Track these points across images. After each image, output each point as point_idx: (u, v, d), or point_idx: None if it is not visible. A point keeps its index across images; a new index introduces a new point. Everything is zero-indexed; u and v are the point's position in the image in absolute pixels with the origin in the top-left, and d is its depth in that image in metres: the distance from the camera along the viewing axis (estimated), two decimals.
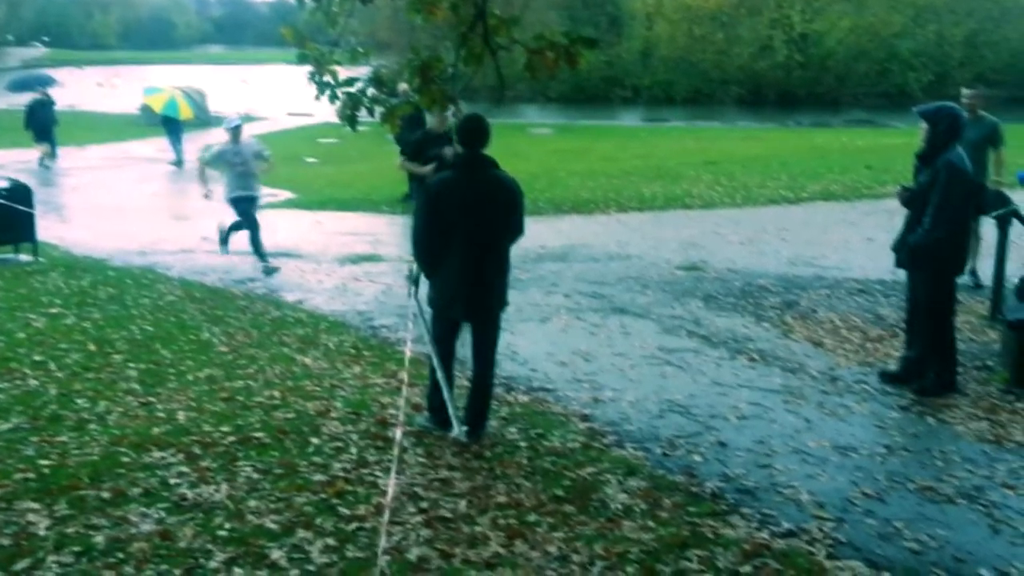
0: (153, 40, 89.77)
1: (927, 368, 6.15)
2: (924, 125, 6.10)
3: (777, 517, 4.48)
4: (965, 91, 8.65)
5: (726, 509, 4.57)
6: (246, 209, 10.32)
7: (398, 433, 4.77)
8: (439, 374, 5.33)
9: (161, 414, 5.82)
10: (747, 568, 3.99)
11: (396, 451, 4.76)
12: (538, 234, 11.00)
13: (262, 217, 13.74)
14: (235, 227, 10.58)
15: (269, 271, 10.02)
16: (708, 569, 3.99)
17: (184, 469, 4.99)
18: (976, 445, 5.33)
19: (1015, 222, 7.67)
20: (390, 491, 4.30)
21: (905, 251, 6.16)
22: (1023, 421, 5.66)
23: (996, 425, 5.61)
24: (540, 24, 26.19)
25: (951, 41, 39.43)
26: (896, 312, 7.59)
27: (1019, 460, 5.11)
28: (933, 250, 5.97)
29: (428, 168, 9.09)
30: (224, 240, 10.79)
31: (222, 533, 4.28)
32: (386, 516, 4.16)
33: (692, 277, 9.56)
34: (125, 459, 5.10)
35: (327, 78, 4.81)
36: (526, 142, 24.14)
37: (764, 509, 4.56)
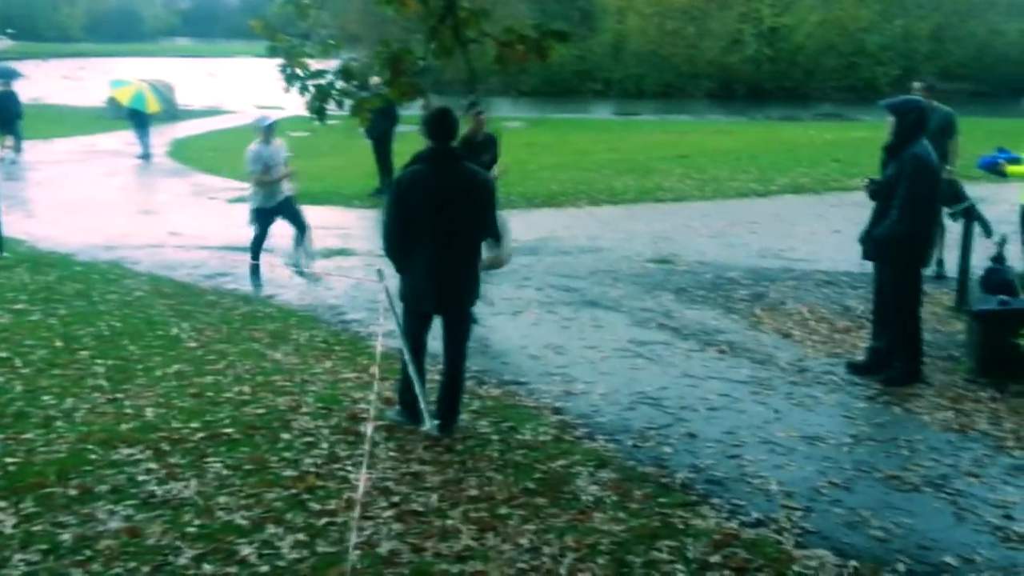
0: (120, 32, 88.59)
1: (893, 359, 6.23)
2: (890, 118, 6.16)
3: (746, 507, 4.53)
4: (916, 84, 8.75)
5: (696, 500, 4.61)
6: (268, 225, 9.43)
7: (368, 428, 4.76)
8: (410, 368, 5.33)
9: (129, 410, 5.77)
10: (716, 558, 4.03)
11: (367, 446, 4.75)
12: (510, 227, 10.99)
13: (233, 211, 13.68)
14: (255, 249, 9.45)
15: (256, 274, 9.32)
16: (678, 559, 4.02)
17: (152, 466, 4.96)
18: (941, 434, 5.41)
19: (971, 212, 7.79)
20: (361, 486, 4.29)
21: (872, 243, 6.23)
22: (987, 410, 5.76)
23: (961, 414, 5.69)
24: (512, 17, 26.13)
25: (918, 36, 39.82)
26: (863, 303, 7.68)
27: (983, 449, 5.20)
28: (900, 242, 6.04)
29: None
30: (255, 270, 9.40)
31: (191, 530, 4.26)
32: (357, 511, 4.15)
33: (663, 270, 9.61)
34: (92, 456, 5.06)
35: (298, 70, 4.78)
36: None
37: (733, 499, 4.61)
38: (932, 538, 4.24)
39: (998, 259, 6.94)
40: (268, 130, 9.29)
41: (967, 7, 40.35)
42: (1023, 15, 39.98)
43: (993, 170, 8.24)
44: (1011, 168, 8.04)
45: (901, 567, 4.00)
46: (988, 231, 7.85)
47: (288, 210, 9.53)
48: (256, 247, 9.45)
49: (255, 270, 9.41)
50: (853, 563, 4.03)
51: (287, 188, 9.54)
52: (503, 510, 4.45)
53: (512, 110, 33.35)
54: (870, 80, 37.63)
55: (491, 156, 7.99)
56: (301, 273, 9.44)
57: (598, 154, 20.06)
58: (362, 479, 4.39)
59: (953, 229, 8.40)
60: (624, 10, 43.71)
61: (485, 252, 7.38)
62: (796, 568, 3.97)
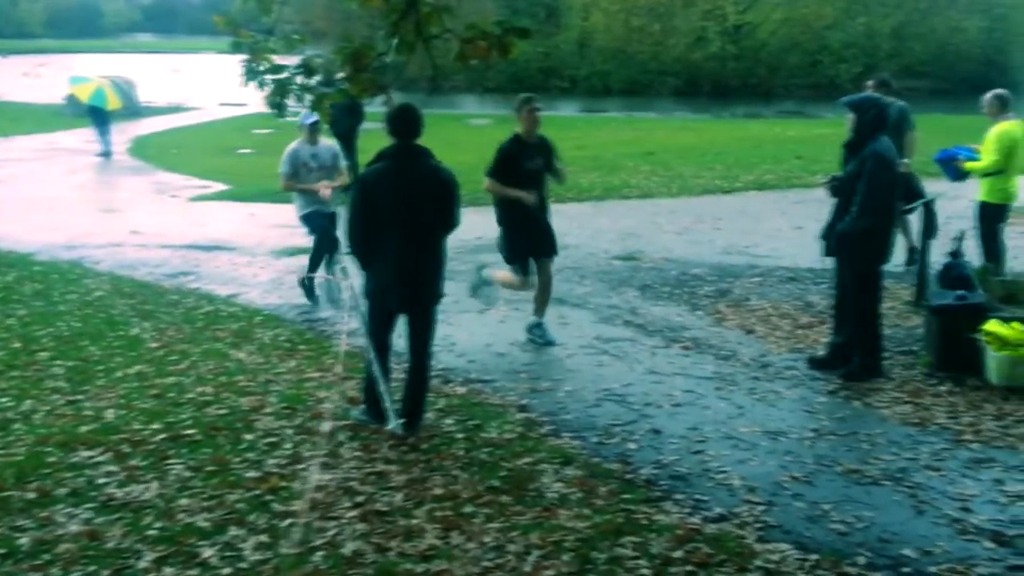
0: (81, 28, 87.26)
1: (854, 353, 6.30)
2: (850, 116, 6.23)
3: (709, 502, 4.56)
4: (869, 82, 8.85)
5: (660, 495, 4.64)
6: (324, 227, 8.31)
7: (325, 426, 4.74)
8: (374, 367, 5.31)
9: (89, 412, 5.70)
10: (679, 553, 4.06)
11: (323, 444, 4.73)
12: (475, 225, 10.92)
13: (195, 209, 13.55)
14: (315, 260, 8.40)
15: (311, 292, 8.39)
16: (642, 555, 4.05)
17: (112, 468, 4.90)
18: (901, 428, 5.49)
19: (929, 208, 7.89)
20: (312, 481, 4.27)
21: (833, 239, 6.29)
22: (946, 404, 5.84)
23: (920, 408, 5.77)
24: (478, 14, 26.12)
25: (880, 33, 40.26)
26: (825, 299, 7.76)
27: (942, 442, 5.27)
28: (860, 238, 6.11)
29: (524, 195, 6.86)
30: (309, 288, 8.45)
31: (152, 532, 4.22)
32: (306, 506, 4.13)
33: (629, 267, 9.65)
34: (51, 459, 4.99)
35: (262, 65, 4.73)
36: (464, 132, 24.06)
37: (696, 494, 4.64)
38: (892, 531, 4.30)
39: (955, 254, 7.04)
40: (312, 128, 8.16)
41: (928, 5, 40.87)
42: (983, 13, 40.59)
43: (948, 165, 8.35)
44: (969, 165, 8.15)
45: (861, 560, 4.05)
46: (933, 232, 7.93)
47: (318, 223, 8.33)
48: (315, 257, 8.37)
49: (308, 285, 8.40)
50: (814, 556, 4.07)
51: (325, 196, 8.26)
52: (468, 508, 4.45)
53: (478, 107, 33.31)
54: (833, 77, 38.02)
55: (544, 160, 7.01)
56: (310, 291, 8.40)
57: (564, 151, 19.94)
58: (314, 475, 4.37)
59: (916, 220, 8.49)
60: (589, 7, 43.77)
61: (511, 276, 7.20)
62: (758, 562, 4.01)
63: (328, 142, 8.59)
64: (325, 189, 8.24)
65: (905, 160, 8.59)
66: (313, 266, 8.35)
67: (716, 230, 11.48)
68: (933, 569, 3.98)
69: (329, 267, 8.36)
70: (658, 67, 41.92)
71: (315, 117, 7.70)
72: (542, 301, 7.23)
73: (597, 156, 18.70)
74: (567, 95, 40.08)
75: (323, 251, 8.34)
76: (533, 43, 39.78)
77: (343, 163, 8.79)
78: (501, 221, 7.12)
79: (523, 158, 6.92)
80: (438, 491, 4.63)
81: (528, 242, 7.07)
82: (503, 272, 7.35)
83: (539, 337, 7.16)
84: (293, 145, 8.29)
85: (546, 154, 7.10)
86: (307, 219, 8.39)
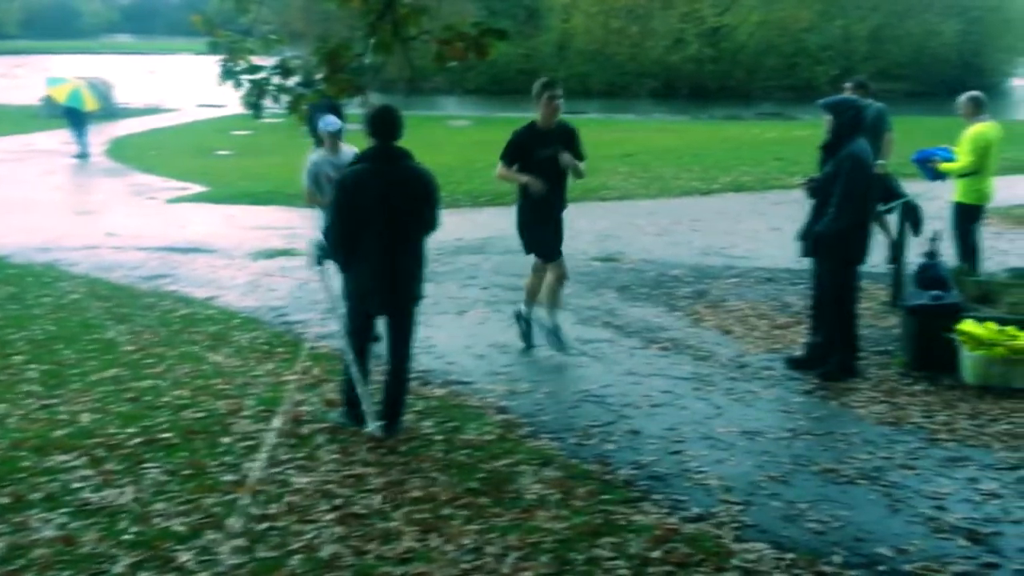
0: (58, 29, 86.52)
1: (830, 353, 6.35)
2: (828, 117, 6.27)
3: (687, 502, 4.57)
4: (847, 84, 8.92)
5: (638, 496, 4.65)
6: None
7: (276, 421, 4.72)
8: (353, 369, 5.29)
9: (63, 416, 5.65)
10: (657, 553, 4.07)
11: (274, 438, 4.71)
12: (455, 226, 10.98)
13: (172, 211, 13.47)
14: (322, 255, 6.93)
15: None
16: (620, 556, 4.05)
17: (87, 472, 4.86)
18: (876, 427, 5.53)
19: (911, 207, 7.94)
20: (256, 473, 4.25)
21: (810, 240, 6.33)
22: (921, 403, 5.89)
23: (895, 407, 5.82)
24: (458, 15, 26.11)
25: (856, 36, 40.62)
26: (802, 300, 7.80)
27: (917, 441, 5.32)
28: (837, 239, 6.15)
29: (530, 180, 6.56)
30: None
31: (127, 537, 4.19)
32: (247, 500, 4.12)
33: (608, 268, 9.67)
34: (26, 463, 4.95)
35: (239, 65, 4.71)
36: (444, 134, 24.06)
37: (674, 495, 4.65)
38: (867, 530, 4.33)
39: (931, 255, 7.10)
40: (335, 136, 7.28)
41: (904, 8, 41.26)
42: (959, 16, 41.02)
43: (924, 165, 8.42)
44: (944, 165, 8.22)
45: (837, 559, 4.07)
46: (918, 230, 8.00)
47: None
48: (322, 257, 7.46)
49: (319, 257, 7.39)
50: (791, 555, 4.09)
51: None
52: (446, 511, 4.44)
53: (458, 108, 33.32)
54: (810, 79, 38.30)
55: (549, 153, 6.62)
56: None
57: None
58: (255, 468, 4.34)
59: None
60: (569, 9, 43.91)
61: (550, 271, 6.83)
62: (735, 562, 4.02)
63: (352, 149, 7.29)
64: None
65: (882, 161, 8.66)
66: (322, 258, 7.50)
67: (694, 231, 11.53)
68: (908, 567, 4.01)
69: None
70: (637, 69, 42.10)
71: (338, 124, 7.25)
72: (538, 294, 6.97)
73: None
74: None
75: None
76: (513, 45, 39.86)
77: None
78: (522, 210, 6.86)
79: (536, 146, 6.60)
80: (416, 493, 4.62)
81: (537, 238, 6.87)
82: (525, 291, 7.06)
83: (523, 328, 7.05)
84: (313, 157, 7.33)
85: (568, 143, 6.72)
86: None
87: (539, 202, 6.64)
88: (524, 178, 6.62)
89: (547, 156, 6.60)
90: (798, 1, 41.60)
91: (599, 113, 32.71)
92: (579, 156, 6.80)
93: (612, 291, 8.71)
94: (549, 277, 6.93)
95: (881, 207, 7.81)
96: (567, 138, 6.76)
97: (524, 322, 7.08)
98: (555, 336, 6.85)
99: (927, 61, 39.64)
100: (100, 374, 6.44)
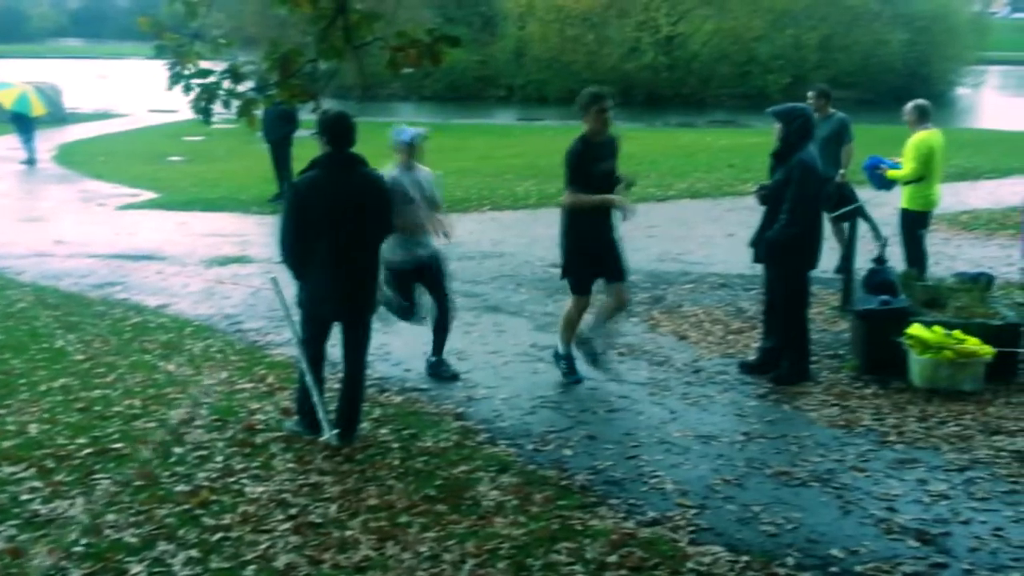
0: (5, 33, 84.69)
1: (783, 358, 6.44)
2: (777, 125, 6.36)
3: (643, 506, 4.61)
4: (810, 93, 9.07)
5: (594, 501, 4.67)
6: (435, 276, 6.47)
7: (176, 414, 4.67)
8: (308, 377, 5.25)
9: (11, 427, 5.54)
10: (614, 558, 4.09)
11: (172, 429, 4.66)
12: None
13: (123, 218, 13.25)
14: (440, 331, 6.60)
15: (443, 371, 6.53)
16: (577, 561, 4.07)
17: (36, 484, 4.77)
18: (828, 430, 5.61)
19: (858, 217, 8.10)
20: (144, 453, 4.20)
21: (762, 247, 6.42)
22: (871, 406, 5.99)
23: (846, 410, 5.91)
24: (413, 22, 26.06)
25: (807, 45, 41.22)
26: (755, 305, 7.90)
27: (867, 443, 5.41)
28: (788, 245, 6.24)
29: (619, 200, 6.24)
30: (568, 368, 6.51)
31: (78, 549, 4.12)
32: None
33: None
34: None
35: (188, 69, 4.65)
36: None
37: (631, 499, 4.69)
38: (820, 531, 4.39)
39: (880, 260, 7.23)
40: (410, 147, 6.32)
41: (853, 18, 41.96)
42: (906, 26, 41.84)
43: (874, 173, 8.58)
44: (891, 172, 8.39)
45: (790, 560, 4.13)
46: (877, 234, 8.15)
47: (431, 274, 6.44)
48: (438, 331, 6.60)
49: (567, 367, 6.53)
50: (745, 558, 4.14)
51: (433, 242, 6.38)
52: (403, 518, 4.43)
53: (414, 115, 33.22)
54: (762, 88, 38.80)
55: (612, 164, 6.29)
56: (441, 371, 6.55)
57: (500, 159, 20.17)
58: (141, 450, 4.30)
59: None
60: (525, 16, 44.01)
61: (606, 297, 6.27)
62: (690, 565, 4.06)
63: (426, 169, 6.59)
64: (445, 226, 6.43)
65: (841, 171, 8.82)
66: (441, 339, 6.62)
67: (650, 237, 11.60)
68: (859, 568, 4.07)
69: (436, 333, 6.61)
70: (593, 76, 42.15)
71: (413, 131, 6.40)
72: (606, 317, 6.40)
73: (533, 164, 18.79)
74: (503, 103, 40.26)
75: (406, 312, 6.53)
76: (469, 52, 39.88)
77: (440, 198, 6.64)
78: (566, 234, 6.30)
79: (594, 160, 6.19)
80: (373, 501, 4.60)
81: (595, 261, 6.29)
82: (561, 325, 6.55)
83: (564, 368, 6.41)
84: (392, 172, 6.20)
85: (615, 155, 6.36)
86: (393, 274, 6.31)
87: (598, 222, 6.25)
88: (605, 197, 6.17)
89: (604, 171, 6.22)
90: (750, 11, 42.13)
91: (556, 120, 32.83)
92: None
93: (569, 297, 8.72)
94: (609, 303, 6.41)
95: (832, 213, 7.95)
96: (615, 149, 6.38)
97: (564, 362, 6.47)
98: (596, 360, 6.37)
99: (875, 70, 40.35)
100: (49, 384, 6.31)
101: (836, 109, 9.09)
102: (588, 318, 6.49)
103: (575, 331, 6.47)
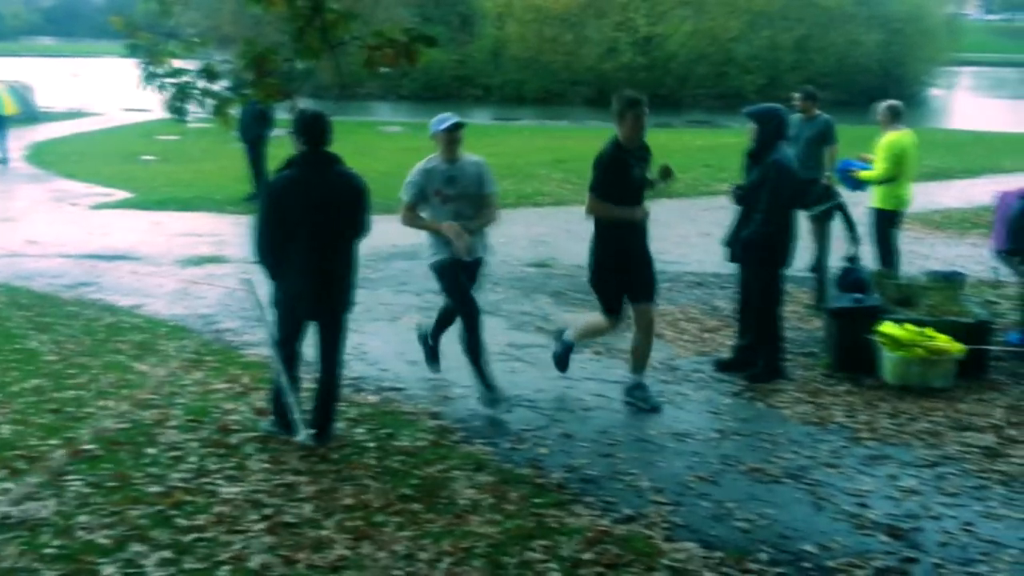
0: None
1: (757, 356, 6.49)
2: (752, 126, 6.41)
3: (618, 504, 4.63)
4: (797, 94, 9.12)
5: (570, 499, 4.69)
6: (464, 289, 6.02)
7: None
8: (282, 377, 5.23)
9: None
10: (589, 555, 4.11)
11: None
12: (388, 233, 10.84)
13: (96, 218, 13.13)
14: (443, 322, 6.42)
15: (494, 400, 5.93)
16: (552, 559, 4.08)
17: (8, 485, 4.71)
18: (801, 427, 5.66)
19: (839, 214, 8.15)
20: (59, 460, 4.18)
21: (737, 246, 6.46)
22: (844, 404, 6.06)
23: (820, 408, 5.97)
24: (391, 21, 26.04)
25: (783, 46, 41.57)
26: (730, 303, 7.95)
27: (840, 440, 5.46)
28: (762, 245, 6.29)
29: (633, 211, 5.92)
30: (430, 353, 6.53)
31: (50, 551, 4.08)
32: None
33: (541, 274, 9.73)
34: None
35: (161, 68, 4.62)
36: (376, 140, 23.93)
37: (606, 497, 4.71)
38: (793, 527, 4.43)
39: (852, 259, 7.30)
40: (450, 136, 5.87)
41: (828, 19, 42.34)
42: (880, 27, 42.28)
43: (846, 175, 8.65)
44: (863, 174, 8.46)
45: (764, 556, 4.16)
46: (854, 235, 8.18)
47: (455, 276, 5.98)
48: (441, 321, 6.41)
49: (430, 350, 6.50)
50: (719, 554, 4.17)
51: (460, 249, 5.85)
52: (379, 518, 4.42)
53: (391, 114, 33.18)
54: (739, 88, 39.07)
55: (644, 171, 5.96)
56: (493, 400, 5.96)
57: None
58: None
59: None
60: (503, 16, 44.06)
61: (634, 328, 5.87)
62: (665, 561, 4.09)
63: (473, 158, 6.08)
64: (459, 239, 5.80)
65: (827, 172, 8.88)
66: (440, 328, 6.45)
67: None
68: (832, 563, 4.11)
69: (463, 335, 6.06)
70: (570, 76, 42.42)
71: (454, 119, 5.93)
72: (641, 354, 5.98)
73: (510, 164, 18.78)
74: (481, 103, 40.26)
75: (454, 319, 6.21)
76: (447, 51, 39.87)
77: (492, 188, 6.10)
78: (594, 243, 6.04)
79: (627, 168, 5.80)
80: (348, 501, 4.59)
81: (621, 274, 5.96)
82: (586, 320, 6.45)
83: (642, 401, 5.93)
84: (422, 164, 5.93)
85: (647, 160, 5.99)
86: (441, 273, 5.98)
87: (628, 232, 5.95)
88: (627, 212, 5.88)
89: (638, 178, 5.88)
90: (727, 12, 42.42)
91: (533, 120, 32.91)
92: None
93: (546, 296, 8.77)
94: (638, 338, 5.99)
95: (807, 214, 8.01)
96: (647, 155, 6.03)
97: (560, 347, 6.34)
98: (654, 406, 5.93)
99: (850, 71, 40.75)
100: (21, 385, 6.25)
101: (821, 112, 9.16)
102: (627, 364, 6.17)
103: (591, 336, 6.47)
